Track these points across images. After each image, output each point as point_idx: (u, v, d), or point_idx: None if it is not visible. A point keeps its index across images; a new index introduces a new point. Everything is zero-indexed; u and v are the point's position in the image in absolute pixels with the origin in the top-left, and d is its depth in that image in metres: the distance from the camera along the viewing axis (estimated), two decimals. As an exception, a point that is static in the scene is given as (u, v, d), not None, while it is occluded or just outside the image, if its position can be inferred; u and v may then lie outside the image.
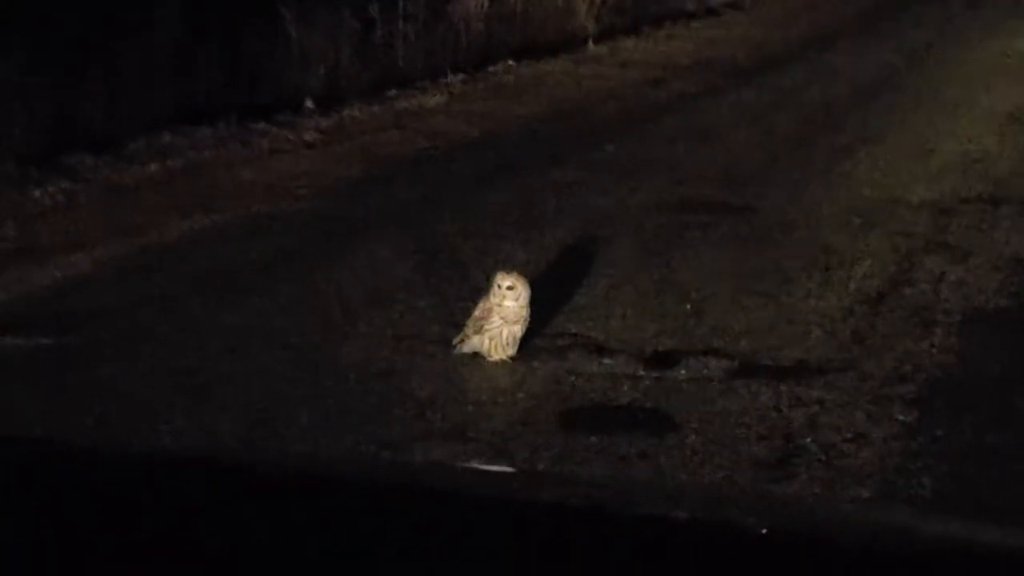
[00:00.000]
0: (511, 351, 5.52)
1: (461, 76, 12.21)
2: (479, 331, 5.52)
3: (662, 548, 1.61)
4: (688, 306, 6.19)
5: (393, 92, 11.33)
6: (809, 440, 4.80)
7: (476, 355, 5.54)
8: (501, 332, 5.49)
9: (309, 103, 10.50)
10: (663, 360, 5.55)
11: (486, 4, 13.08)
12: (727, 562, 1.58)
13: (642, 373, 5.42)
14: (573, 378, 5.37)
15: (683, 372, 5.43)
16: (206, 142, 9.34)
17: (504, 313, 5.48)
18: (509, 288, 5.50)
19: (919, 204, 8.07)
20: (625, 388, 5.28)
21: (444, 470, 2.17)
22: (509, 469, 2.90)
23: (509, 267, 5.84)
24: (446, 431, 4.88)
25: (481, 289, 5.72)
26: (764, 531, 1.64)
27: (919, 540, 1.71)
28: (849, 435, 4.84)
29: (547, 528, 1.66)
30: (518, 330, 5.51)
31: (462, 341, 5.58)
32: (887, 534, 1.73)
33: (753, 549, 1.61)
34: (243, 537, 1.64)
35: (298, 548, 1.61)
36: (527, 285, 5.54)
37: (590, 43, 14.20)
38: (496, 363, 5.50)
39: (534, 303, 5.54)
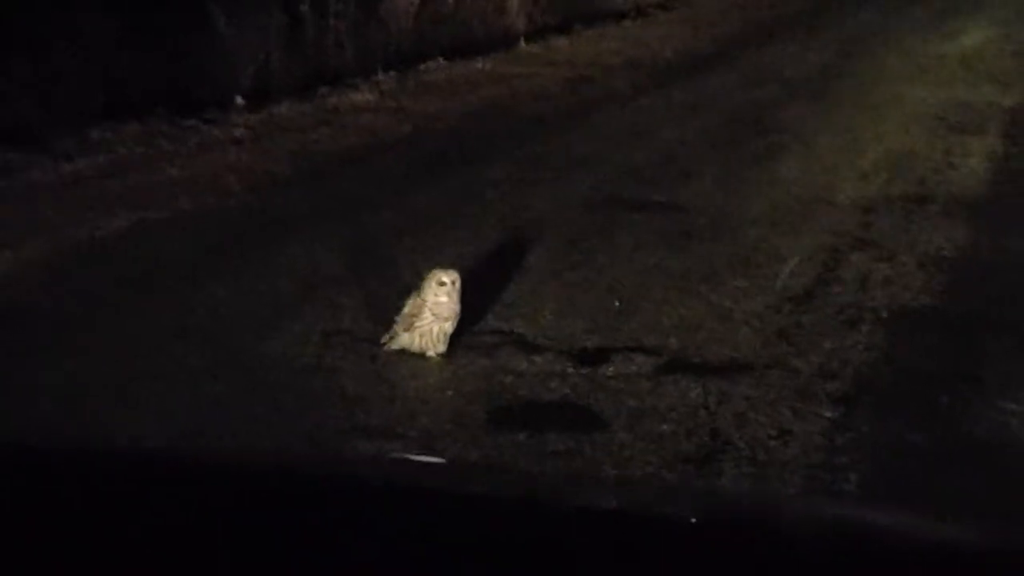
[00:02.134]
0: (441, 348, 5.52)
1: (392, 74, 12.19)
2: (409, 328, 5.51)
3: (592, 539, 1.62)
4: (617, 303, 6.21)
5: (324, 89, 11.30)
6: (736, 436, 4.83)
7: (405, 352, 5.53)
8: (432, 329, 5.49)
9: (239, 100, 10.46)
10: (592, 357, 5.57)
11: (417, 2, 13.06)
12: (656, 552, 1.59)
13: (571, 370, 5.43)
14: (502, 375, 5.38)
15: (612, 369, 5.45)
16: (134, 138, 9.29)
17: (437, 310, 5.48)
18: (443, 284, 5.50)
19: (846, 203, 8.14)
20: (554, 385, 5.29)
21: (374, 461, 2.17)
22: (440, 460, 2.91)
23: (444, 264, 5.84)
24: (375, 428, 4.88)
25: (411, 286, 5.71)
26: (693, 521, 1.65)
27: (846, 529, 1.73)
28: (775, 431, 4.87)
29: (478, 519, 1.66)
30: (449, 327, 5.51)
31: (392, 338, 5.57)
32: (814, 524, 1.75)
33: (682, 539, 1.62)
34: (166, 530, 1.64)
35: (224, 539, 1.61)
36: (459, 282, 5.54)
37: (522, 42, 14.23)
38: (426, 360, 5.49)
39: (463, 301, 5.55)
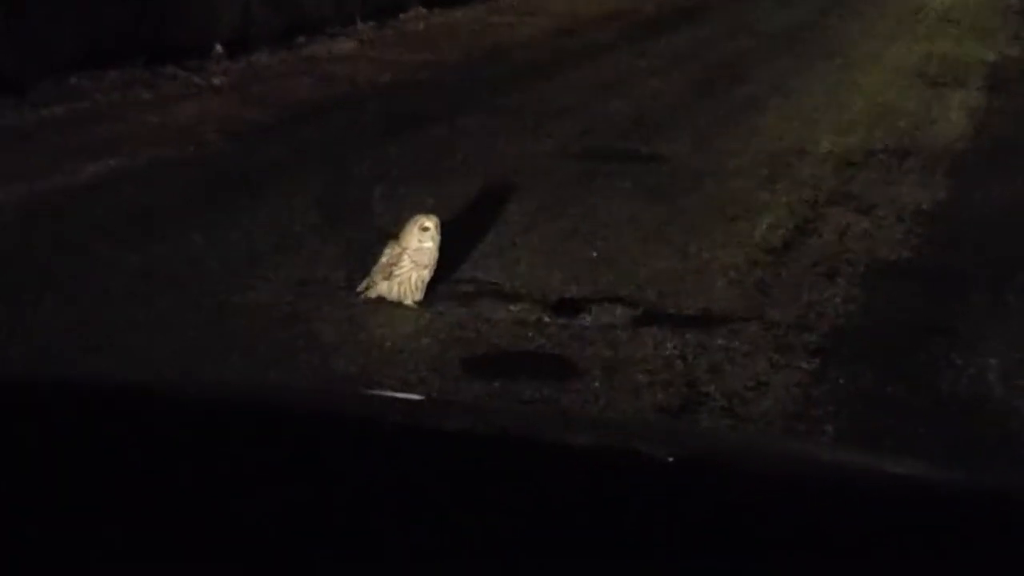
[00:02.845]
0: (418, 296, 5.50)
1: (371, 23, 12.15)
2: (388, 276, 5.49)
3: (567, 475, 1.62)
4: (594, 254, 6.21)
5: (303, 39, 11.26)
6: (712, 388, 4.82)
7: (383, 300, 5.52)
8: (411, 277, 5.47)
9: (218, 48, 10.41)
10: (568, 307, 5.56)
11: (398, -49, 13.00)
12: (632, 489, 1.59)
13: (547, 320, 5.42)
14: (478, 324, 5.37)
15: (588, 319, 5.44)
16: (113, 85, 9.25)
17: (418, 256, 5.45)
18: (426, 229, 5.48)
19: (825, 156, 8.13)
20: (530, 335, 5.29)
21: (353, 396, 2.17)
22: (418, 397, 2.91)
23: (424, 210, 5.82)
24: (351, 376, 4.86)
25: (389, 235, 5.69)
26: (670, 459, 1.65)
27: (823, 466, 1.73)
28: (752, 383, 4.87)
29: (453, 455, 1.66)
30: (427, 275, 5.49)
31: (369, 287, 5.56)
32: (792, 462, 1.75)
33: (659, 476, 1.62)
34: (149, 462, 1.63)
35: (201, 474, 1.61)
36: (439, 230, 5.52)
37: (502, -8, 14.16)
38: (403, 309, 5.48)
39: (441, 250, 5.53)
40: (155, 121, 8.55)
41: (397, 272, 5.47)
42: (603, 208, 6.94)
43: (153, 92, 9.28)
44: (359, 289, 5.58)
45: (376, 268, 5.54)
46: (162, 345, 5.06)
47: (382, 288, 5.52)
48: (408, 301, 5.49)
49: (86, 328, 5.19)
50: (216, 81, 9.76)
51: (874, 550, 1.48)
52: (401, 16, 12.58)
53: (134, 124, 8.46)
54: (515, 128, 8.64)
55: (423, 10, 12.87)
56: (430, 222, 5.51)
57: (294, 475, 1.61)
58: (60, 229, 6.38)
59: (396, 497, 1.56)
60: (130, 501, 1.55)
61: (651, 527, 1.52)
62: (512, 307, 5.54)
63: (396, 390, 4.65)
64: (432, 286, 5.55)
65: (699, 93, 9.92)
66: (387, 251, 5.52)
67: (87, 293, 5.56)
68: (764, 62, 11.19)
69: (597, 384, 4.84)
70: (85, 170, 7.35)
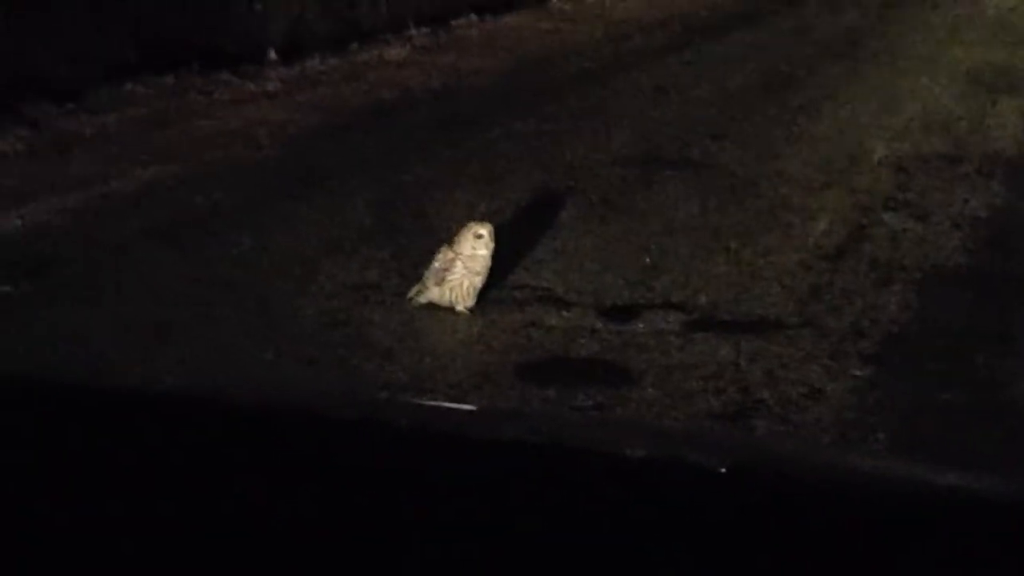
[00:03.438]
0: (470, 303, 5.49)
1: (424, 30, 12.15)
2: (440, 282, 5.48)
3: (622, 484, 1.61)
4: (648, 260, 6.18)
5: (356, 45, 11.27)
6: (766, 394, 4.79)
7: (434, 306, 5.51)
8: (463, 283, 5.45)
9: (272, 54, 10.44)
10: (622, 313, 5.54)
11: (450, -43, 13.01)
12: (685, 500, 1.58)
13: (600, 326, 5.40)
14: (532, 331, 5.35)
15: (642, 326, 5.42)
16: (167, 91, 9.28)
17: (471, 263, 5.43)
18: (480, 236, 5.46)
19: (879, 161, 8.08)
20: (583, 341, 5.27)
21: (405, 406, 2.16)
22: (470, 407, 2.90)
23: (476, 218, 5.81)
24: (404, 383, 4.85)
25: (441, 240, 5.69)
26: (723, 470, 1.63)
27: (878, 477, 1.71)
28: (806, 390, 4.84)
29: (507, 465, 1.65)
30: (479, 282, 5.47)
31: (420, 292, 5.54)
32: (849, 474, 1.73)
33: (712, 487, 1.60)
34: (205, 470, 1.64)
35: (256, 483, 1.60)
36: (493, 237, 5.50)
37: (554, -2, 14.16)
38: (455, 315, 5.47)
39: (493, 256, 5.51)
40: (209, 126, 8.58)
41: (450, 278, 5.45)
42: (657, 214, 6.92)
43: (208, 98, 9.31)
44: (410, 295, 5.57)
45: (428, 273, 5.53)
46: (213, 349, 5.07)
47: (434, 294, 5.51)
48: (460, 307, 5.48)
49: (141, 331, 5.21)
50: (270, 87, 9.79)
51: (931, 563, 1.46)
52: (453, 23, 12.59)
53: (188, 130, 8.49)
54: (569, 134, 8.63)
55: (475, 17, 12.87)
56: (484, 229, 5.49)
57: (343, 485, 1.60)
58: (117, 233, 6.40)
59: (449, 509, 1.55)
60: (167, 511, 1.55)
61: (705, 537, 1.51)
62: (565, 313, 5.52)
63: (448, 399, 4.64)
64: (484, 292, 5.54)
65: (753, 98, 9.88)
66: (440, 257, 5.50)
67: (142, 296, 5.57)
68: (818, 67, 11.13)
69: (651, 391, 4.82)
70: (138, 176, 7.38)
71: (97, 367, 4.82)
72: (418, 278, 5.58)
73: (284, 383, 4.73)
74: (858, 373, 5.00)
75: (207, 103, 9.22)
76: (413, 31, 12.00)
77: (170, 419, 1.76)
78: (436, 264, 5.50)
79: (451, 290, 5.46)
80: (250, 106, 9.23)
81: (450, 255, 5.47)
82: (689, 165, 7.93)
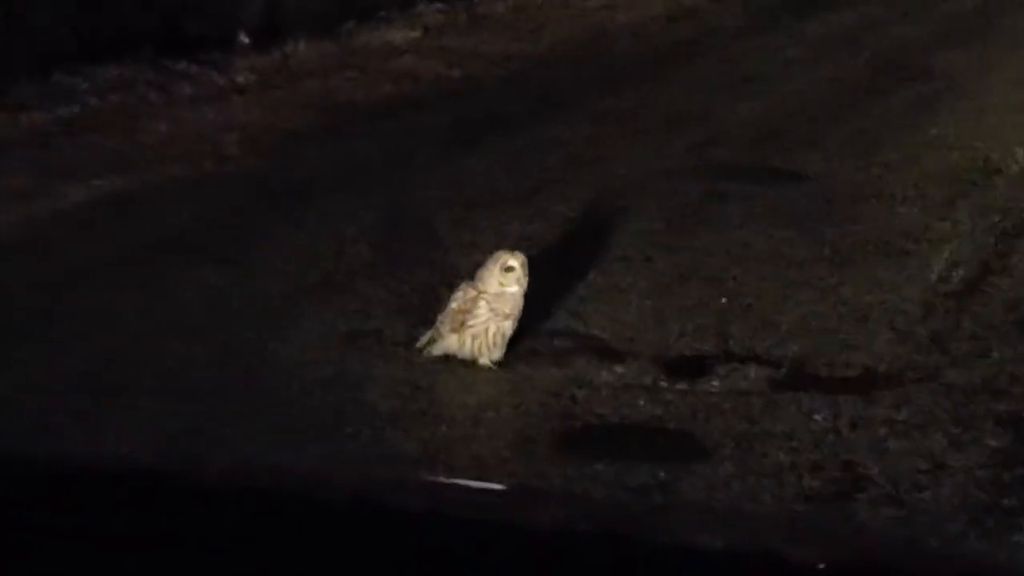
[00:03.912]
0: (498, 354, 5.50)
1: (438, 5, 12.20)
2: (459, 328, 5.48)
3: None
4: (723, 299, 6.19)
5: (351, 25, 11.31)
6: (875, 470, 4.79)
7: (451, 359, 5.52)
8: (488, 329, 5.46)
9: (243, 38, 10.49)
10: (691, 367, 5.54)
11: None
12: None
13: (664, 384, 5.41)
14: (576, 389, 5.36)
15: (716, 383, 5.43)
16: (111, 85, 9.32)
17: (498, 304, 5.44)
18: (510, 270, 5.46)
19: (1016, 172, 8.08)
20: (642, 403, 5.27)
21: (415, 487, 2.17)
22: (499, 487, 2.91)
23: (507, 245, 5.82)
24: (413, 456, 4.87)
25: (460, 274, 5.70)
26: (821, 567, 1.64)
27: None
28: (925, 465, 4.83)
29: (547, 556, 1.66)
30: (509, 327, 5.48)
31: (433, 341, 5.55)
32: (978, 570, 1.73)
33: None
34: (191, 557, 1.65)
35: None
36: (526, 270, 5.50)
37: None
38: (478, 369, 5.48)
39: (527, 295, 5.52)
40: (165, 130, 8.62)
41: (472, 322, 5.46)
42: (733, 240, 6.93)
43: (162, 94, 9.36)
44: (420, 343, 5.59)
45: (443, 317, 5.54)
46: (177, 410, 5.09)
47: (451, 343, 5.52)
48: (485, 360, 5.49)
49: (88, 388, 5.23)
50: (241, 79, 9.84)
51: None
52: (475, -5, 12.64)
53: (139, 135, 8.53)
54: (620, 138, 8.64)
55: (502, -12, 12.92)
56: (515, 260, 5.50)
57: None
58: (50, 266, 6.43)
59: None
60: None
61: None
62: (618, 368, 5.53)
63: (470, 476, 4.65)
64: (515, 341, 5.55)
65: (854, 92, 9.89)
66: (458, 295, 5.52)
67: (87, 344, 5.60)
68: (938, 53, 11.14)
69: (728, 466, 4.81)
70: (75, 194, 7.41)
71: (32, 431, 4.84)
72: (431, 322, 5.60)
73: (258, 457, 4.75)
74: (992, 443, 4.99)
75: (162, 101, 9.26)
76: (423, 7, 12.04)
77: (115, 498, 1.77)
78: (454, 305, 5.51)
79: (473, 338, 5.47)
80: (216, 105, 9.28)
81: (472, 293, 5.48)
82: (773, 177, 7.94)
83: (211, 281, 6.28)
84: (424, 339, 5.59)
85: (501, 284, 5.47)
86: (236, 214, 7.22)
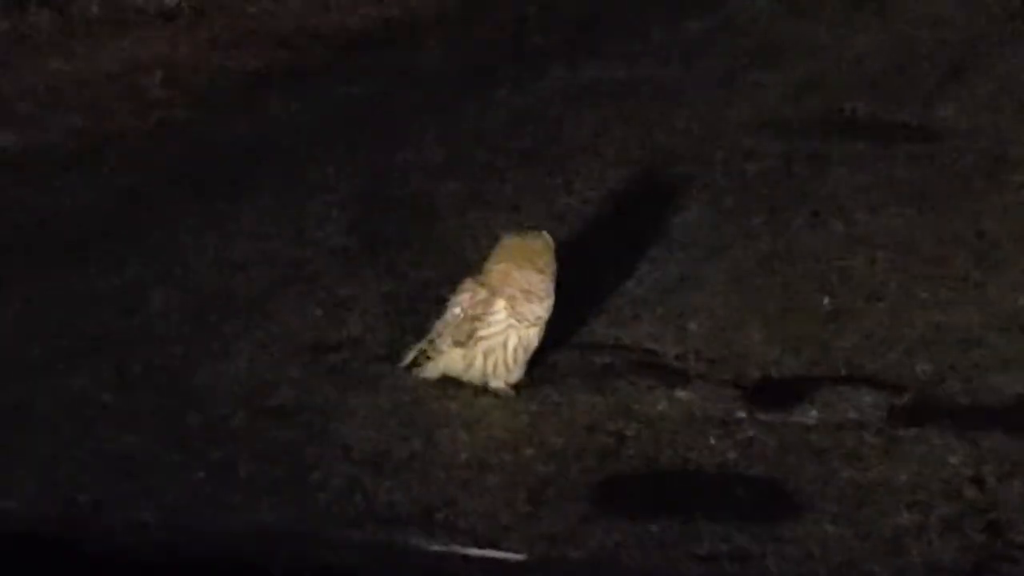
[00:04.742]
0: (517, 374, 5.51)
1: None
2: (464, 340, 5.48)
3: None
4: (825, 300, 6.20)
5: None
6: (1032, 534, 4.81)
7: (452, 382, 5.53)
8: (506, 341, 5.45)
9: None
10: (779, 393, 5.56)
11: None
12: None
13: (742, 415, 5.42)
14: (621, 423, 5.37)
15: (814, 413, 5.44)
16: (-10, 9, 9.36)
17: (521, 306, 5.45)
18: (533, 258, 5.46)
19: None
20: (712, 441, 5.28)
21: (414, 555, 2.20)
22: (517, 556, 2.94)
23: (529, 226, 5.82)
24: (401, 514, 4.87)
25: (463, 266, 5.72)
26: None
27: None
28: (1103, 526, 4.85)
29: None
30: (534, 337, 5.49)
31: (428, 358, 5.56)
32: None
33: None
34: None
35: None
36: (555, 258, 5.50)
37: None
38: (489, 395, 5.50)
39: (556, 295, 5.53)
40: (61, 71, 8.64)
41: (483, 332, 5.46)
42: (836, 221, 6.93)
43: (57, 18, 9.37)
44: (407, 361, 5.61)
45: (441, 325, 5.54)
46: (69, 457, 5.10)
47: (453, 360, 5.52)
48: (498, 382, 5.49)
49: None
50: (169, 2, 9.86)
51: None
52: None
53: (25, 77, 8.55)
54: (682, 81, 8.64)
55: None
56: (540, 244, 5.52)
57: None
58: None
59: None
60: None
61: None
62: (680, 392, 5.54)
63: (478, 542, 4.66)
64: (540, 357, 5.57)
65: (1011, 22, 9.86)
66: (463, 297, 5.52)
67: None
68: None
69: (831, 528, 4.82)
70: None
71: None
72: (422, 333, 5.61)
73: (186, 515, 4.77)
74: None
75: (56, 28, 9.27)
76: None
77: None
78: (456, 309, 5.52)
79: (484, 354, 5.47)
80: (134, 35, 9.28)
81: (483, 293, 5.47)
82: (899, 136, 7.93)
83: (129, 279, 6.30)
84: (411, 355, 5.61)
85: (523, 279, 5.47)
86: (158, 185, 7.24)
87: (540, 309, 5.47)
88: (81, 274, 6.31)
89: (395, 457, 5.19)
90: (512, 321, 5.45)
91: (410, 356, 5.60)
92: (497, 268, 5.50)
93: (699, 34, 9.51)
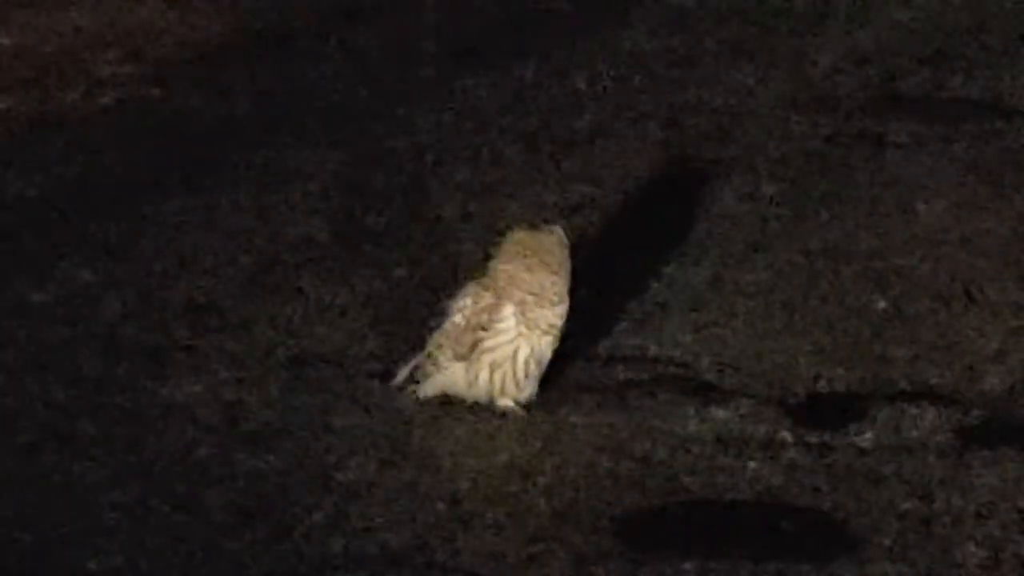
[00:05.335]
0: (528, 390, 5.51)
1: None
2: (467, 353, 5.48)
3: None
4: (881, 303, 6.19)
5: None
6: None
7: (454, 400, 5.52)
8: (515, 354, 5.46)
9: None
10: (830, 411, 5.55)
11: None
12: None
13: (786, 435, 5.42)
14: (649, 446, 5.36)
15: (869, 435, 5.43)
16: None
17: (533, 312, 5.44)
18: (548, 256, 5.46)
19: None
20: (753, 465, 5.28)
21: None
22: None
23: (541, 220, 5.81)
24: (395, 551, 4.86)
25: (464, 266, 5.71)
26: None
27: None
28: None
29: None
30: (547, 347, 5.49)
31: (424, 373, 5.56)
32: None
33: None
34: None
35: None
36: (569, 256, 5.50)
37: None
38: (497, 415, 5.48)
39: (571, 298, 5.52)
40: (32, 42, 8.65)
41: (488, 343, 5.46)
42: (893, 210, 6.92)
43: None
44: (401, 377, 5.60)
45: (440, 336, 5.54)
46: (27, 491, 5.10)
47: (454, 376, 5.52)
48: (506, 400, 5.49)
49: None
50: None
51: None
52: None
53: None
54: (717, 52, 8.64)
55: None
56: (553, 240, 5.50)
57: None
58: None
59: None
60: None
61: None
62: (716, 410, 5.54)
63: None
64: (555, 370, 5.55)
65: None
66: (466, 301, 5.52)
67: None
68: None
69: (886, 567, 4.81)
70: None
71: None
72: (418, 343, 5.59)
73: (143, 558, 4.76)
74: None
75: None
76: None
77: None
78: (457, 317, 5.52)
79: (492, 368, 5.47)
80: (81, 4, 9.29)
81: (487, 298, 5.48)
82: (963, 113, 7.94)
83: (95, 273, 6.30)
84: (407, 370, 5.60)
85: (534, 280, 5.45)
86: (112, 173, 7.25)
87: (553, 315, 5.47)
88: (21, 279, 6.30)
89: (386, 488, 5.18)
90: (522, 329, 5.45)
91: (404, 372, 5.61)
92: (504, 268, 5.49)
93: (721, 5, 9.53)
